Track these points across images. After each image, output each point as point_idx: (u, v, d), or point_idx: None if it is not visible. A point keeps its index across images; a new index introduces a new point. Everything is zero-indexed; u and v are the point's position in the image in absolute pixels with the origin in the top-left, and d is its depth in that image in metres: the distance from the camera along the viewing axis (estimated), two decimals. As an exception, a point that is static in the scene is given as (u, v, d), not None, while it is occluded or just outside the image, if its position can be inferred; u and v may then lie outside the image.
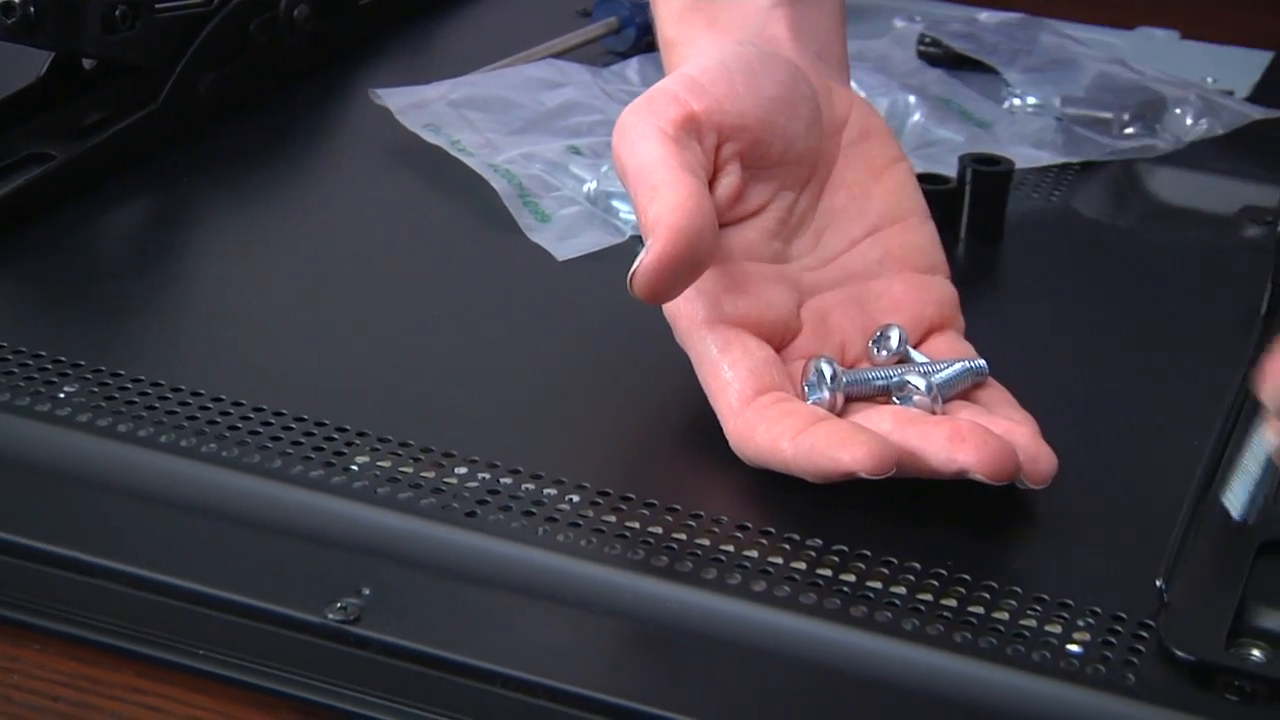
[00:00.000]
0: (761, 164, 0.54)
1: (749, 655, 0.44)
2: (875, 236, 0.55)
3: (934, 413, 0.50)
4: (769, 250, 0.54)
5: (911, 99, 0.76)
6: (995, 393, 0.53)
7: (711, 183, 0.53)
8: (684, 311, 0.52)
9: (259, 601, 0.45)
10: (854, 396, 0.51)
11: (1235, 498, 0.44)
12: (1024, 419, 0.51)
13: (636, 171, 0.51)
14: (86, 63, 0.70)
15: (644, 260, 0.49)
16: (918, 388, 0.51)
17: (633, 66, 0.80)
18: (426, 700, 0.44)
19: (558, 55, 0.81)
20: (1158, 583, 0.46)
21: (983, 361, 0.53)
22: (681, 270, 0.50)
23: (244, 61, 0.74)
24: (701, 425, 0.52)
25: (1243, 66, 0.86)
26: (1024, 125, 0.76)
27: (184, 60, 0.71)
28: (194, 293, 0.62)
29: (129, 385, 0.54)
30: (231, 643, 0.45)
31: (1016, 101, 0.79)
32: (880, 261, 0.55)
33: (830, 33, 0.59)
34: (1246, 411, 0.53)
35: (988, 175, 0.66)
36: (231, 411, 0.53)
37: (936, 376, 0.51)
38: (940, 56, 0.83)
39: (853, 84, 0.76)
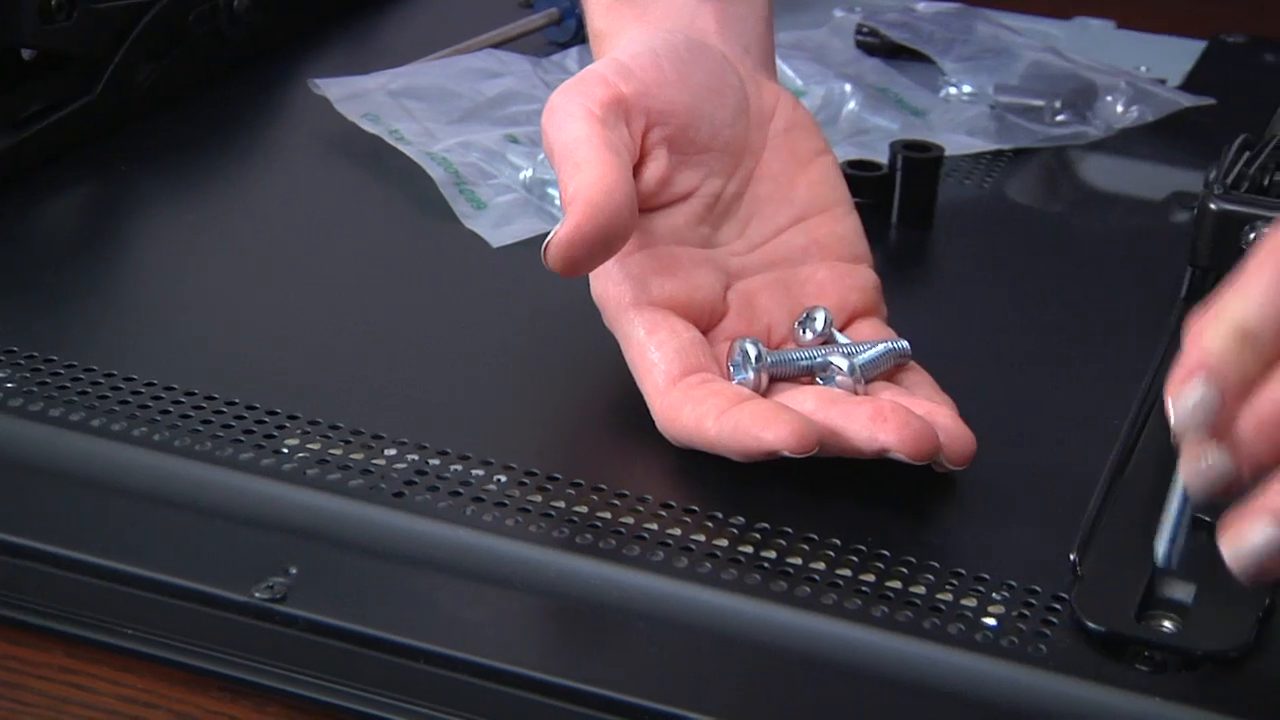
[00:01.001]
0: (689, 150, 0.55)
1: (670, 630, 0.45)
2: (801, 225, 0.56)
3: (857, 393, 0.51)
4: (696, 235, 0.55)
5: (847, 87, 0.77)
6: (917, 375, 0.53)
7: (639, 166, 0.53)
8: (612, 294, 0.53)
9: (187, 581, 0.46)
10: (778, 377, 0.52)
11: (1159, 541, 0.43)
12: (943, 400, 0.52)
13: (562, 149, 0.52)
14: (25, 53, 0.70)
15: (558, 232, 0.50)
16: (840, 368, 0.51)
17: (572, 56, 0.80)
18: (351, 676, 0.45)
19: (499, 46, 0.82)
20: (1071, 556, 0.46)
21: (905, 344, 0.54)
22: (595, 244, 0.50)
23: (183, 52, 0.75)
24: (629, 407, 0.52)
25: (1176, 55, 0.87)
26: (958, 113, 0.77)
27: (122, 51, 0.71)
28: (129, 281, 0.63)
29: (62, 371, 0.54)
30: (160, 622, 0.46)
31: (953, 90, 0.80)
32: (805, 249, 0.56)
33: (758, 28, 0.60)
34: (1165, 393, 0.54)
35: (918, 161, 0.67)
36: (163, 396, 0.53)
37: (860, 357, 0.52)
38: (877, 46, 0.83)
39: (790, 73, 0.77)
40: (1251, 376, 0.40)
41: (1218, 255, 0.54)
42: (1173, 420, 0.41)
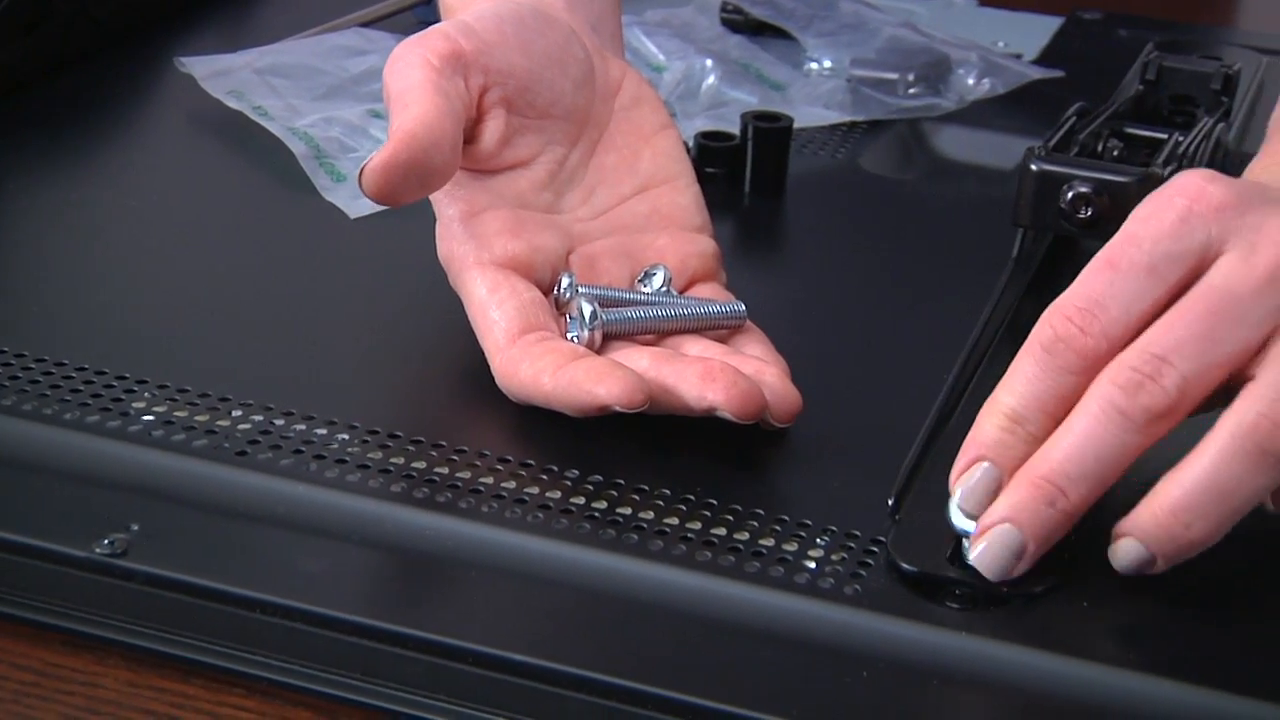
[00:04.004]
0: (528, 113, 0.56)
1: (502, 578, 0.46)
2: (644, 195, 0.58)
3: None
4: (540, 200, 0.56)
5: (708, 63, 0.79)
6: (752, 335, 0.55)
7: (478, 124, 0.55)
8: (456, 253, 0.55)
9: (28, 538, 0.47)
10: (615, 335, 0.54)
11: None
12: (774, 360, 0.53)
13: (397, 95, 0.53)
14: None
15: (373, 159, 0.52)
16: (672, 321, 0.53)
17: (440, 34, 0.81)
18: (191, 627, 0.46)
19: (369, 24, 0.83)
20: (889, 502, 0.48)
21: (741, 305, 0.55)
22: (409, 175, 0.52)
23: (49, 30, 0.75)
24: (472, 366, 0.54)
25: (1034, 31, 0.89)
26: (816, 87, 0.79)
27: (-15, 29, 0.72)
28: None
29: (-87, 339, 0.55)
30: (1, 579, 0.47)
31: (814, 65, 0.82)
32: (648, 217, 0.58)
33: (606, 9, 0.62)
34: (994, 347, 0.56)
35: (767, 131, 0.68)
36: (13, 362, 0.54)
37: (691, 310, 0.54)
38: (741, 23, 0.85)
39: (652, 48, 0.79)
40: (1022, 455, 0.45)
41: (1037, 214, 0.56)
42: (958, 499, 0.46)
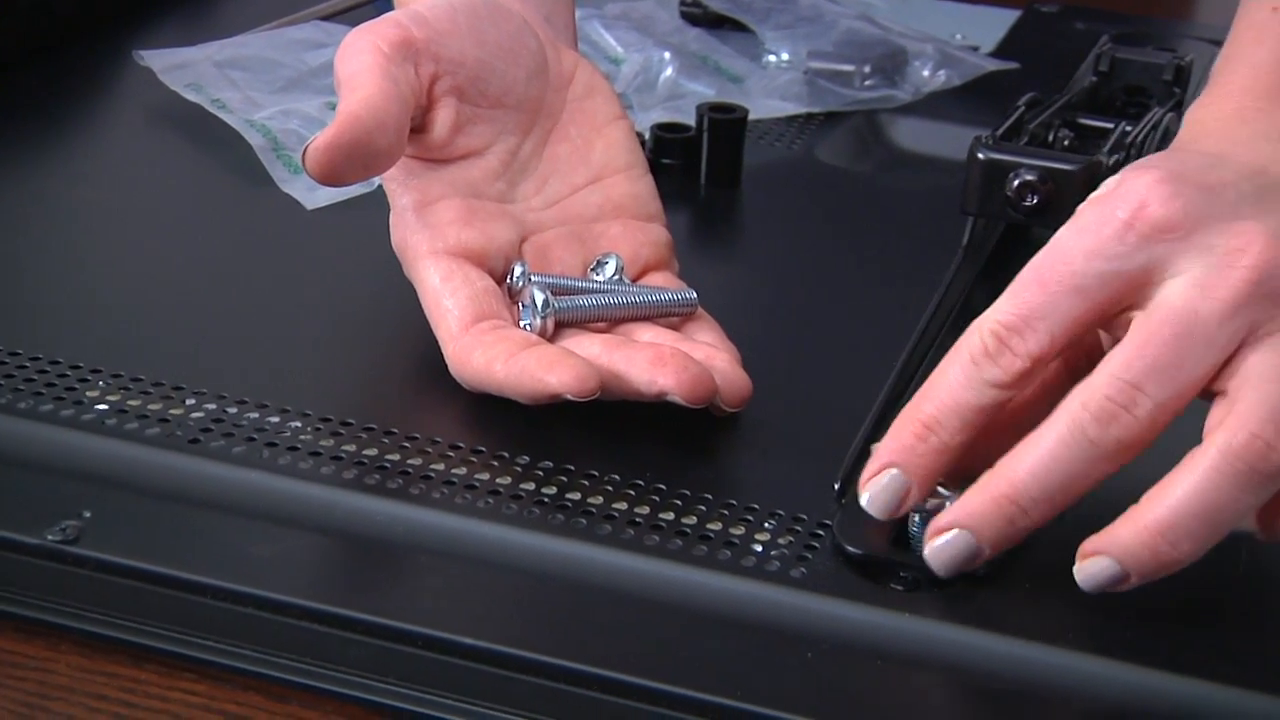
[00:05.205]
0: (480, 102, 0.56)
1: (451, 562, 0.47)
2: (596, 184, 0.58)
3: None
4: (493, 190, 0.57)
5: (666, 55, 0.79)
6: (703, 322, 0.56)
7: (429, 113, 0.56)
8: (410, 242, 0.55)
9: (-21, 527, 0.47)
10: (567, 322, 0.54)
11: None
12: (725, 346, 0.54)
13: (345, 79, 0.54)
14: None
15: (316, 139, 0.52)
16: (623, 308, 0.54)
17: (399, 27, 0.82)
18: (141, 613, 0.46)
19: (328, 18, 0.83)
20: (835, 486, 0.49)
21: (693, 293, 0.56)
22: (352, 156, 0.52)
23: (6, 24, 0.75)
24: (425, 355, 0.54)
25: (991, 24, 0.90)
26: (773, 79, 0.79)
27: (-57, 22, 0.72)
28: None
29: None
30: (-46, 567, 0.47)
31: (772, 58, 0.82)
32: (600, 206, 0.58)
33: (559, 1, 0.62)
34: (943, 334, 0.56)
35: (722, 122, 0.69)
36: (-32, 352, 0.54)
37: (642, 297, 0.54)
38: (700, 16, 0.86)
39: (611, 41, 0.79)
40: (931, 464, 0.45)
41: (985, 202, 0.57)
42: (864, 502, 0.46)
